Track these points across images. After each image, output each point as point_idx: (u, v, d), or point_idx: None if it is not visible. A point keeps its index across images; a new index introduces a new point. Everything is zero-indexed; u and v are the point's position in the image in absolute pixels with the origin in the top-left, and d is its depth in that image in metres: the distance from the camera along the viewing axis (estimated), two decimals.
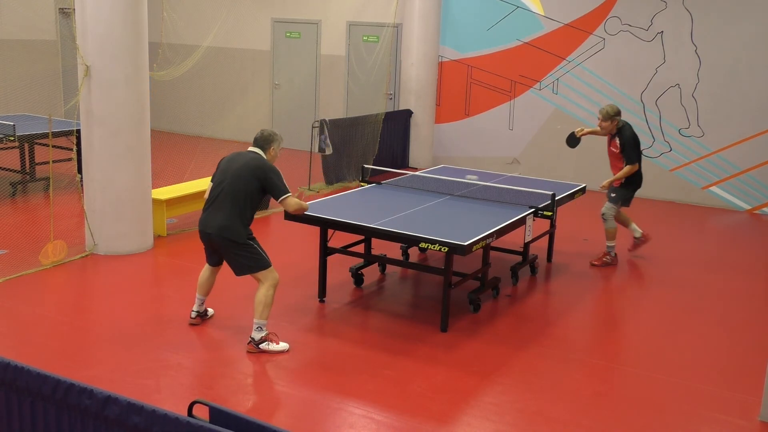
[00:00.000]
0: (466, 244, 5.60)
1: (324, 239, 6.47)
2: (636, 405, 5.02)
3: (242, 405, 4.79)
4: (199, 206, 6.11)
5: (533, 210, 6.75)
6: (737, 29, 10.35)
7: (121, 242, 7.54)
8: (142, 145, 7.57)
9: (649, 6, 10.83)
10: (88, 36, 7.19)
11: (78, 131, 7.84)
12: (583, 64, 11.41)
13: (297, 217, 6.25)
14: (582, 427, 4.71)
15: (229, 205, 5.41)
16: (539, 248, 7.97)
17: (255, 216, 5.60)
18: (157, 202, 8.06)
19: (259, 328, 5.48)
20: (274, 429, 2.82)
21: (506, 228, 6.31)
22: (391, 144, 12.18)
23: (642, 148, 7.88)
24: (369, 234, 6.19)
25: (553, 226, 7.79)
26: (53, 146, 7.57)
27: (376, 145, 11.55)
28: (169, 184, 9.00)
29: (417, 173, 8.20)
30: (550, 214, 6.88)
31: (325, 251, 6.50)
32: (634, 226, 8.11)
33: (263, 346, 5.49)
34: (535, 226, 6.96)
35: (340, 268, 7.10)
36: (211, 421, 2.99)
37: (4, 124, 9.23)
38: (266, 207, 9.26)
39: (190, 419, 2.86)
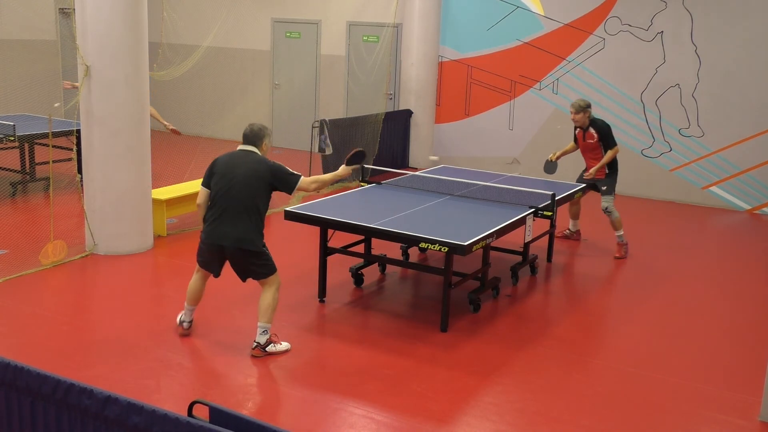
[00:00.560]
0: (466, 244, 5.60)
1: (324, 239, 6.47)
2: (636, 405, 5.02)
3: (242, 405, 4.79)
4: None
5: (533, 210, 6.75)
6: (737, 29, 10.35)
7: (121, 242, 7.55)
8: (142, 145, 7.57)
9: (649, 6, 10.84)
10: (88, 36, 7.19)
11: (78, 131, 7.84)
12: (583, 64, 11.41)
13: (297, 217, 6.25)
14: (582, 427, 4.71)
15: (244, 215, 5.24)
16: (539, 248, 7.98)
17: None
18: (157, 202, 8.07)
19: (265, 332, 5.42)
20: (274, 429, 2.82)
21: (506, 228, 6.30)
22: (391, 144, 12.19)
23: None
24: (369, 234, 6.19)
25: (553, 226, 7.78)
26: (53, 146, 7.57)
27: (376, 145, 11.55)
28: (169, 184, 9.00)
29: (417, 173, 8.20)
30: (550, 214, 6.88)
31: (325, 251, 6.50)
32: (577, 223, 8.72)
33: (269, 348, 5.45)
34: (535, 226, 6.96)
35: (340, 268, 7.10)
36: (211, 421, 3.00)
37: (4, 124, 9.22)
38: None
39: (190, 419, 2.86)
